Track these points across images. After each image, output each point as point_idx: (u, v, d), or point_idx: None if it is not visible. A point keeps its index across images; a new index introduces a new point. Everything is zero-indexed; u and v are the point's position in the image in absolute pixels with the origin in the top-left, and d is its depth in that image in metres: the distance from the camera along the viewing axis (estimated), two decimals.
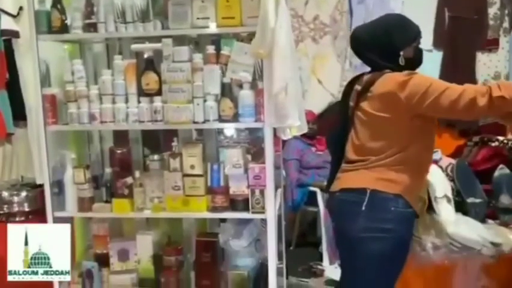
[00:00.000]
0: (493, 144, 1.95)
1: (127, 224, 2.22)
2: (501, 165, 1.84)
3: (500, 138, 1.96)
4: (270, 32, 1.78)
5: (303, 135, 3.18)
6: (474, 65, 3.17)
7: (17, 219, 2.37)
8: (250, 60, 1.90)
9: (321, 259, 2.97)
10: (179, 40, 2.00)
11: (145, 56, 1.96)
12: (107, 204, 2.03)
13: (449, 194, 1.84)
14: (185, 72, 1.90)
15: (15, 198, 2.39)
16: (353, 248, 1.51)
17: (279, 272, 2.06)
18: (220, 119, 1.94)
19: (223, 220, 2.16)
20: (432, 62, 3.21)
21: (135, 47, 2.02)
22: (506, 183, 1.82)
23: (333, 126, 3.31)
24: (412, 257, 1.66)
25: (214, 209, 1.97)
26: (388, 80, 1.53)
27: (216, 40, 2.08)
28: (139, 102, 1.96)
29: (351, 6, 3.36)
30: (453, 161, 1.94)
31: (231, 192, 1.96)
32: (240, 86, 1.94)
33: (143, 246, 2.08)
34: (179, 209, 1.97)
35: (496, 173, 1.84)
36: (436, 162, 1.98)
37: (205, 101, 1.93)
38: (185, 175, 1.96)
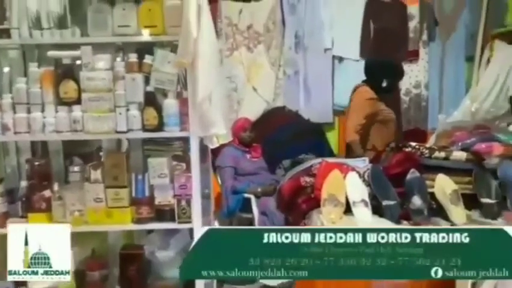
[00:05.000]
0: (407, 150, 2.08)
1: None
2: (412, 169, 1.95)
3: (413, 144, 2.09)
4: (193, 41, 1.79)
5: (239, 143, 3.22)
6: None
7: None
8: (174, 69, 1.90)
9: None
10: (100, 48, 1.95)
11: (64, 63, 1.89)
12: (22, 220, 1.92)
13: (366, 198, 1.93)
14: (106, 80, 1.86)
15: None
16: None
17: (208, 283, 2.05)
18: (144, 129, 1.91)
19: (151, 231, 2.12)
20: (359, 72, 3.38)
21: (52, 53, 1.95)
22: (417, 186, 1.94)
23: (270, 132, 3.44)
24: None
25: (139, 221, 1.93)
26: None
27: (142, 48, 2.04)
28: (56, 111, 1.89)
29: (283, 16, 3.45)
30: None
31: (156, 202, 1.94)
32: (165, 95, 1.93)
33: None
34: (102, 221, 1.91)
35: (408, 177, 1.95)
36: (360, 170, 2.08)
37: (128, 110, 1.89)
38: (107, 186, 1.91)
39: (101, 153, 2.06)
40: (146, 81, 1.92)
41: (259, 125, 3.44)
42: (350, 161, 2.23)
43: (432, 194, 1.95)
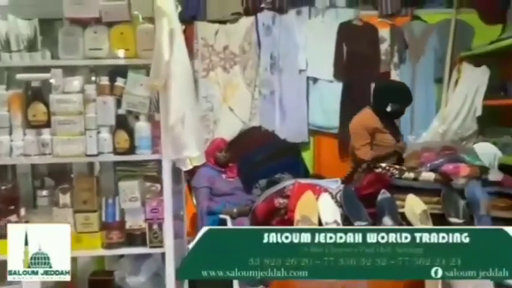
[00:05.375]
0: (377, 171, 2.11)
1: None
2: (383, 190, 1.99)
3: (383, 164, 2.13)
4: (165, 64, 1.80)
5: (215, 163, 3.21)
6: (370, 95, 3.43)
7: None
8: (146, 92, 1.89)
9: (231, 285, 2.95)
10: (72, 70, 1.94)
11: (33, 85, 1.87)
12: None
13: (339, 219, 1.94)
14: (77, 103, 1.84)
15: None
16: None
17: None
18: (115, 152, 1.89)
19: (122, 255, 2.08)
20: (333, 92, 3.45)
21: (21, 76, 1.92)
22: (388, 207, 1.97)
23: (246, 152, 3.43)
24: None
25: (109, 246, 1.89)
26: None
27: (115, 71, 2.04)
28: (24, 134, 1.85)
29: (259, 37, 3.50)
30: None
31: (127, 226, 1.91)
32: (137, 118, 1.92)
33: None
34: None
35: (379, 197, 1.98)
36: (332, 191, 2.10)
37: (98, 133, 1.87)
38: (76, 211, 1.87)
39: (72, 175, 2.02)
40: (118, 104, 1.91)
41: (236, 145, 3.44)
42: (323, 182, 2.25)
43: (402, 214, 1.98)
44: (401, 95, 2.77)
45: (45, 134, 1.84)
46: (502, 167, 2.46)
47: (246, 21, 3.49)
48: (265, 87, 3.51)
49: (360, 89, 3.44)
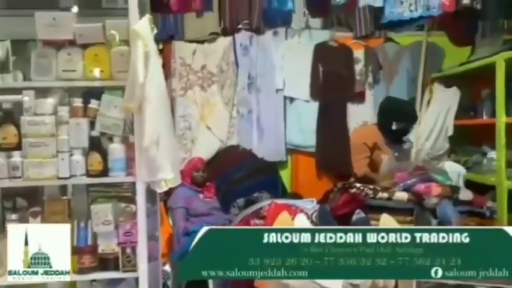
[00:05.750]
0: (352, 191, 2.15)
1: None
2: (358, 210, 2.02)
3: (358, 184, 2.16)
4: (140, 87, 1.80)
5: (191, 183, 3.18)
6: (345, 114, 3.50)
7: None
8: (120, 114, 1.88)
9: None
10: (44, 92, 1.91)
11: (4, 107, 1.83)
12: None
13: None
14: (49, 125, 1.81)
15: None
16: None
17: None
18: (88, 174, 1.86)
19: (95, 280, 2.02)
20: (309, 112, 3.49)
21: None
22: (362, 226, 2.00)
23: (224, 171, 3.41)
24: None
25: (81, 271, 1.84)
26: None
27: (89, 93, 2.02)
28: None
29: (236, 57, 3.53)
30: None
31: (99, 250, 1.87)
32: (110, 140, 1.90)
33: None
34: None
35: (354, 217, 2.01)
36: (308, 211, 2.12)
37: (71, 155, 1.84)
38: None
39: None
40: (92, 126, 1.89)
41: (213, 164, 3.43)
42: (299, 202, 2.27)
43: None
44: (406, 114, 2.81)
45: (16, 157, 1.80)
46: (472, 184, 2.53)
47: (224, 41, 3.52)
48: (243, 106, 3.53)
49: (336, 108, 3.50)
